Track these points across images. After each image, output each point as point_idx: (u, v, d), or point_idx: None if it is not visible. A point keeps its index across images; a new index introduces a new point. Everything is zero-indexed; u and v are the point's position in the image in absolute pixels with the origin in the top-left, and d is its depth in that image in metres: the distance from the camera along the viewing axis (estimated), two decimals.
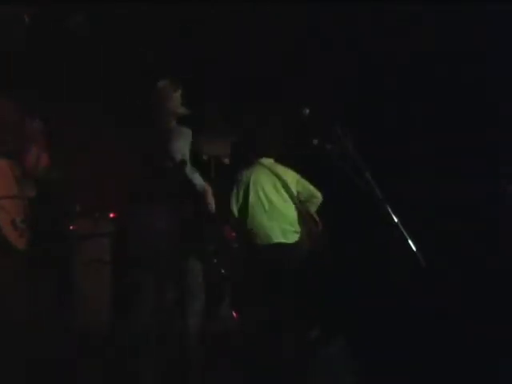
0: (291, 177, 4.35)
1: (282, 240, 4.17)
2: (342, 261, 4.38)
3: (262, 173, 4.29)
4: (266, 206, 4.21)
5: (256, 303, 4.22)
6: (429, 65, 3.90)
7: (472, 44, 3.72)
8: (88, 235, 4.24)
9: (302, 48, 4.36)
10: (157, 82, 3.36)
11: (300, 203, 4.34)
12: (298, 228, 4.27)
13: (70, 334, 3.87)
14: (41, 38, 4.13)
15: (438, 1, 3.82)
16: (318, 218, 4.41)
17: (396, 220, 2.63)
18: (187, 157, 3.38)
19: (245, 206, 4.21)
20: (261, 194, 4.22)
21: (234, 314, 4.40)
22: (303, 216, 4.32)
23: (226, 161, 4.34)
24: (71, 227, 3.97)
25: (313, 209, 4.42)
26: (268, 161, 4.37)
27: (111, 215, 4.34)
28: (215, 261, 4.55)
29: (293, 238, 4.22)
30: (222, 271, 4.67)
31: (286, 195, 4.27)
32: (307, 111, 3.03)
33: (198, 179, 3.42)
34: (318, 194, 4.39)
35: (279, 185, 4.26)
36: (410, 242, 2.60)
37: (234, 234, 4.45)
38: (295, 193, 4.33)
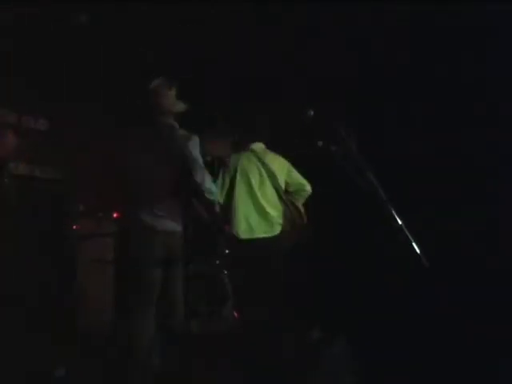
0: (281, 166, 4.31)
1: (264, 233, 4.15)
2: (345, 261, 4.39)
3: (249, 161, 4.24)
4: (251, 196, 4.18)
5: (247, 301, 4.22)
6: (433, 65, 3.90)
7: (476, 44, 3.73)
8: (91, 235, 4.25)
9: (306, 48, 4.36)
10: (151, 81, 3.38)
11: (287, 194, 4.31)
12: (280, 220, 4.24)
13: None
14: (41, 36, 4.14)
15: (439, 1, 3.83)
16: (303, 210, 4.36)
17: (400, 221, 2.64)
18: (198, 160, 3.40)
19: (231, 193, 4.17)
20: (246, 182, 4.19)
21: (235, 313, 4.38)
22: (289, 207, 4.29)
23: (229, 161, 4.30)
24: (74, 227, 3.98)
25: (300, 201, 4.38)
26: (258, 146, 4.34)
27: (114, 215, 4.34)
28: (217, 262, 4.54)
29: (275, 229, 4.20)
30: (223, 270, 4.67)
31: (271, 186, 4.23)
32: (311, 113, 3.03)
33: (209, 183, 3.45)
34: (308, 187, 4.36)
35: (265, 174, 4.22)
36: (413, 243, 2.61)
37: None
38: (282, 183, 4.29)
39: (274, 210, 4.23)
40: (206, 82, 4.63)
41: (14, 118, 4.25)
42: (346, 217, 4.38)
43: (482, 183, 3.70)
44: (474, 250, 3.57)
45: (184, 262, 3.37)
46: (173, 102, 3.39)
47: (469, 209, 3.68)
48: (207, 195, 3.43)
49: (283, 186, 4.31)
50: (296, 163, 4.40)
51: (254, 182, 4.20)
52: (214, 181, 3.89)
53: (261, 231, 4.16)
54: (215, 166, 4.24)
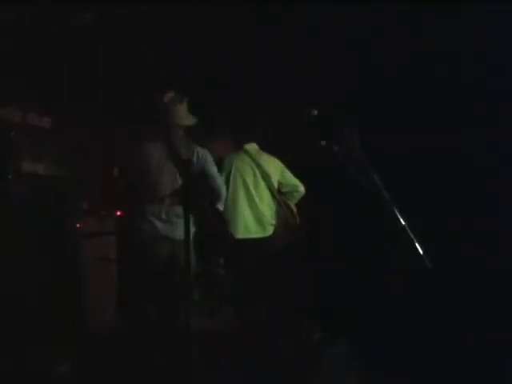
0: (274, 167, 4.37)
1: (258, 233, 4.23)
2: (346, 260, 4.40)
3: (244, 161, 4.30)
4: (245, 197, 4.24)
5: (246, 301, 4.25)
6: (439, 65, 3.91)
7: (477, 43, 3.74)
8: (94, 233, 4.26)
9: (308, 48, 4.37)
10: (162, 95, 3.42)
11: (280, 194, 4.37)
12: (273, 221, 4.32)
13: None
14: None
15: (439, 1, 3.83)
16: (295, 211, 4.44)
17: (402, 222, 2.66)
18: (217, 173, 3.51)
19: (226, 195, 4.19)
20: (241, 183, 4.25)
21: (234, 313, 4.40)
22: (282, 208, 4.36)
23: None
24: (78, 225, 3.99)
25: (293, 201, 4.45)
26: (252, 147, 4.38)
27: (118, 213, 4.35)
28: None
29: (268, 230, 4.27)
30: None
31: (265, 186, 4.29)
32: (315, 112, 3.05)
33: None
34: (301, 188, 4.43)
35: (259, 175, 4.28)
36: (416, 243, 2.63)
37: None
38: (276, 184, 4.36)
39: (268, 210, 4.31)
40: (204, 82, 4.62)
41: (18, 116, 4.25)
42: (348, 217, 4.39)
43: (485, 183, 3.71)
44: (477, 250, 3.58)
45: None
46: (183, 116, 3.45)
47: (471, 209, 3.70)
48: (220, 204, 3.51)
49: (276, 187, 4.38)
50: (298, 163, 4.42)
51: (249, 182, 4.27)
52: None
53: (255, 232, 4.23)
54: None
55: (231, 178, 4.24)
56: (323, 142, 3.01)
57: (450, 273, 3.09)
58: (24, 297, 3.77)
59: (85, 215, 4.23)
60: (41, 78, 4.24)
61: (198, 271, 4.02)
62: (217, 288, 4.31)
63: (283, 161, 4.44)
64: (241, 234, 4.14)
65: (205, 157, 3.50)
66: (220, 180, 3.56)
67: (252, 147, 4.39)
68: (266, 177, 4.28)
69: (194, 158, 3.43)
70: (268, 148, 4.48)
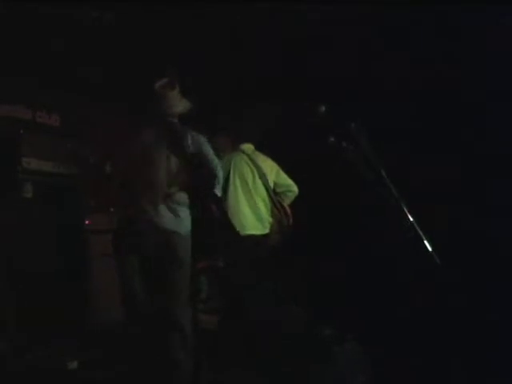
0: (270, 167, 4.40)
1: (257, 230, 4.23)
2: (355, 258, 4.39)
3: (242, 160, 4.32)
4: (244, 195, 4.26)
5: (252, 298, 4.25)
6: (451, 63, 3.87)
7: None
8: (103, 229, 4.26)
9: (316, 46, 4.34)
10: (153, 83, 3.34)
11: (275, 194, 4.39)
12: (270, 218, 4.34)
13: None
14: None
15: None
16: (289, 211, 4.45)
17: (411, 218, 2.64)
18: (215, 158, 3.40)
19: (224, 192, 4.14)
20: (241, 181, 4.27)
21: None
22: (276, 207, 4.38)
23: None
24: (87, 222, 4.01)
25: (287, 201, 4.47)
26: (248, 147, 4.40)
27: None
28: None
29: (266, 227, 4.29)
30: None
31: (262, 185, 4.31)
32: (323, 109, 3.03)
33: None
34: (295, 188, 4.45)
35: (257, 175, 4.31)
36: (425, 240, 2.61)
37: None
38: (272, 184, 4.38)
39: (265, 209, 4.33)
40: (207, 80, 4.61)
41: (27, 114, 4.28)
42: (356, 214, 4.38)
43: (495, 180, 3.68)
44: (488, 246, 3.55)
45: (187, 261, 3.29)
46: (176, 103, 3.36)
47: (481, 205, 3.67)
48: (218, 189, 3.42)
49: (272, 187, 4.40)
50: (306, 160, 4.43)
51: (248, 181, 4.30)
52: None
53: (255, 228, 4.24)
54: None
55: (231, 177, 4.25)
56: (331, 139, 2.99)
57: (460, 269, 3.06)
58: (33, 292, 3.79)
59: (93, 212, 4.24)
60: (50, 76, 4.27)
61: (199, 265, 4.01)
62: (219, 284, 4.31)
63: (290, 158, 4.45)
64: (242, 230, 4.14)
65: (199, 140, 3.37)
66: (216, 162, 3.43)
67: (248, 147, 4.42)
68: (262, 176, 4.32)
69: (189, 143, 3.31)
70: (274, 146, 4.49)
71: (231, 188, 4.23)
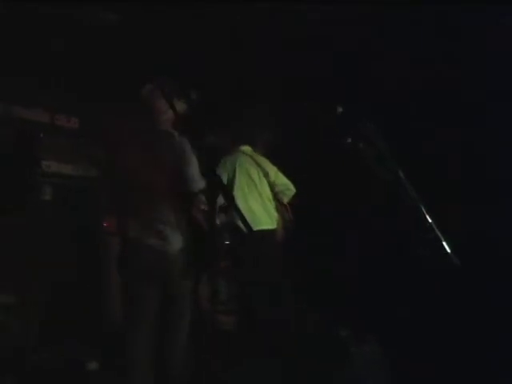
0: (270, 167, 4.49)
1: (268, 225, 4.33)
2: (373, 259, 4.37)
3: (247, 159, 4.40)
4: (254, 191, 4.35)
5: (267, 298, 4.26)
6: (468, 61, 3.84)
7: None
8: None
9: (333, 44, 4.34)
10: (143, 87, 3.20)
11: (274, 194, 4.51)
12: (276, 215, 4.44)
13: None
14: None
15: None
16: (289, 209, 4.62)
17: (430, 220, 2.62)
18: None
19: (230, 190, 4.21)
20: (247, 180, 4.35)
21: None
22: (280, 204, 4.53)
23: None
24: (105, 224, 4.02)
25: (285, 199, 4.61)
26: (247, 148, 4.49)
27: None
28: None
29: (274, 222, 4.40)
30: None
31: (267, 184, 4.42)
32: (340, 109, 3.02)
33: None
34: (292, 187, 4.56)
35: (261, 174, 4.41)
36: (443, 242, 2.59)
37: None
38: (272, 183, 4.47)
39: (271, 205, 4.44)
40: (207, 80, 4.61)
41: (46, 117, 4.32)
42: (373, 215, 4.36)
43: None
44: (507, 248, 3.51)
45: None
46: (163, 111, 3.14)
47: (499, 207, 3.63)
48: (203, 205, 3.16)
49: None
50: (323, 160, 4.44)
51: (255, 178, 4.40)
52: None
53: (266, 223, 4.33)
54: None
55: (237, 175, 4.32)
56: (349, 139, 2.99)
57: (478, 271, 3.04)
58: (52, 292, 3.83)
59: (111, 214, 4.26)
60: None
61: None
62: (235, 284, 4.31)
63: (307, 158, 4.50)
64: (253, 226, 4.16)
65: (183, 145, 3.18)
66: (195, 170, 3.18)
67: (247, 149, 4.51)
68: (266, 175, 4.42)
69: (176, 153, 3.14)
70: (290, 147, 4.53)
71: (238, 185, 4.30)
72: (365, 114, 2.87)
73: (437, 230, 2.57)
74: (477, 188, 3.69)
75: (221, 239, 3.67)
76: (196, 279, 3.18)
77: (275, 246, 4.34)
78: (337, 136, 2.99)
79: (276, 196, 4.51)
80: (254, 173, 4.39)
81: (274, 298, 4.17)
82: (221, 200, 2.94)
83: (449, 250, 2.53)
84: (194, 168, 3.17)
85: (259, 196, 4.36)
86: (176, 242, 3.07)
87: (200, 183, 3.16)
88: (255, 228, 4.15)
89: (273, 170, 4.49)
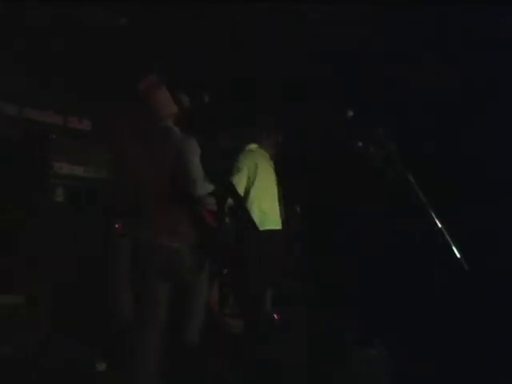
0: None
1: (278, 226, 4.31)
2: (382, 262, 4.36)
3: (262, 157, 4.37)
4: (270, 190, 4.34)
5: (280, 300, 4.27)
6: (479, 64, 3.83)
7: None
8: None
9: (345, 48, 4.34)
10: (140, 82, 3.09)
11: None
12: (283, 214, 4.43)
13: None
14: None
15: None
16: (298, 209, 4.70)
17: (439, 224, 2.63)
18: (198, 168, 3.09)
19: (250, 189, 4.21)
20: (267, 177, 4.32)
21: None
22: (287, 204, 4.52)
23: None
24: (116, 225, 4.04)
25: None
26: (255, 147, 4.43)
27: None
28: None
29: (283, 223, 4.38)
30: None
31: (278, 181, 4.42)
32: (350, 113, 3.03)
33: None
34: None
35: (274, 171, 4.41)
36: (453, 246, 2.60)
37: None
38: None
39: (281, 205, 4.42)
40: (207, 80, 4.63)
41: (59, 119, 4.35)
42: (383, 218, 4.36)
43: None
44: None
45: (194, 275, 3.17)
46: (166, 103, 3.07)
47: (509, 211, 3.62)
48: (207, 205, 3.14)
49: None
50: (334, 163, 4.45)
51: (272, 176, 4.39)
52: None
53: (275, 223, 4.31)
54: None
55: (258, 171, 4.24)
56: (360, 143, 3.00)
57: (488, 276, 3.03)
58: (63, 293, 3.84)
59: (123, 215, 4.28)
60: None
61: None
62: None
63: (317, 160, 4.52)
64: (262, 226, 4.18)
65: (187, 145, 3.06)
66: (198, 172, 3.06)
67: (255, 147, 4.43)
68: (275, 173, 4.41)
69: (179, 148, 3.03)
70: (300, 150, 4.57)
71: (256, 187, 4.22)
72: (377, 118, 2.88)
73: (446, 235, 2.57)
74: (488, 192, 3.68)
75: (228, 239, 3.66)
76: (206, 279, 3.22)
77: (284, 246, 4.33)
78: (347, 139, 3.01)
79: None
80: (271, 170, 4.38)
81: (279, 299, 4.19)
82: (230, 200, 2.98)
83: (458, 255, 2.53)
84: (196, 169, 3.05)
85: (273, 196, 4.34)
86: (186, 240, 3.05)
87: (203, 185, 3.08)
88: (263, 228, 4.15)
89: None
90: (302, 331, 3.98)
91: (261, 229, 4.11)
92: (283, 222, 4.40)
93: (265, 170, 4.31)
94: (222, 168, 3.57)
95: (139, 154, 3.01)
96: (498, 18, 3.60)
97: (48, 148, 3.94)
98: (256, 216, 4.10)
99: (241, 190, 4.15)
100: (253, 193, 4.20)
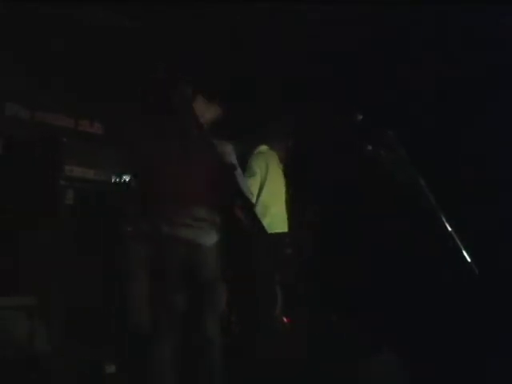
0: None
1: (285, 228, 4.33)
2: (392, 267, 4.36)
3: (274, 159, 4.37)
4: (282, 193, 4.37)
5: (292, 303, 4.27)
6: (489, 66, 3.83)
7: None
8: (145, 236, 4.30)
9: (354, 51, 4.35)
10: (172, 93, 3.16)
11: None
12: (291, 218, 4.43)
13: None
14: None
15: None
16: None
17: (449, 228, 2.62)
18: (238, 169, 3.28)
19: (261, 191, 4.22)
20: (278, 177, 4.36)
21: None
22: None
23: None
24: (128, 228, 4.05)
25: None
26: (265, 148, 4.42)
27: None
28: None
29: (290, 226, 4.39)
30: None
31: (286, 184, 4.44)
32: (360, 117, 3.03)
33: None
34: None
35: (283, 173, 4.43)
36: (463, 250, 2.59)
37: None
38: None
39: (287, 208, 4.41)
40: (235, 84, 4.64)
41: (70, 122, 4.38)
42: (393, 222, 4.35)
43: None
44: None
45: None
46: (200, 111, 3.15)
47: None
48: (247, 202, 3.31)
49: None
50: (344, 167, 4.44)
51: (282, 178, 4.42)
52: None
53: (283, 227, 4.33)
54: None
55: (269, 175, 4.25)
56: (369, 147, 2.99)
57: (499, 280, 3.01)
58: (73, 295, 3.85)
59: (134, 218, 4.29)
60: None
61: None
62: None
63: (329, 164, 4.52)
64: (280, 228, 4.19)
65: (225, 151, 3.22)
66: (241, 174, 3.33)
67: (265, 148, 4.43)
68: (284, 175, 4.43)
69: (216, 154, 3.13)
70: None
71: (268, 190, 4.23)
72: (387, 121, 2.88)
73: (457, 239, 2.56)
74: (501, 195, 3.67)
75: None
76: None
77: (292, 249, 4.33)
78: (357, 143, 3.00)
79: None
80: (281, 172, 4.39)
81: (288, 302, 4.19)
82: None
83: (469, 259, 2.52)
84: (239, 174, 3.25)
85: (282, 198, 4.35)
86: (209, 237, 3.18)
87: (247, 197, 3.27)
88: (271, 231, 4.15)
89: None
90: (310, 334, 3.97)
91: (269, 232, 4.11)
92: (292, 225, 4.40)
93: (275, 172, 4.31)
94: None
95: (176, 160, 3.12)
96: (498, 17, 3.60)
97: (59, 151, 3.96)
98: (266, 220, 4.10)
99: (254, 194, 4.15)
100: (264, 196, 4.20)
